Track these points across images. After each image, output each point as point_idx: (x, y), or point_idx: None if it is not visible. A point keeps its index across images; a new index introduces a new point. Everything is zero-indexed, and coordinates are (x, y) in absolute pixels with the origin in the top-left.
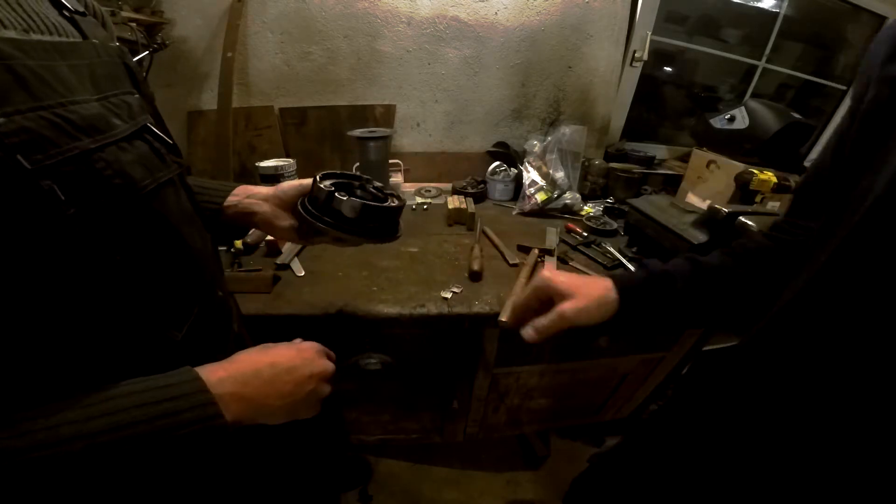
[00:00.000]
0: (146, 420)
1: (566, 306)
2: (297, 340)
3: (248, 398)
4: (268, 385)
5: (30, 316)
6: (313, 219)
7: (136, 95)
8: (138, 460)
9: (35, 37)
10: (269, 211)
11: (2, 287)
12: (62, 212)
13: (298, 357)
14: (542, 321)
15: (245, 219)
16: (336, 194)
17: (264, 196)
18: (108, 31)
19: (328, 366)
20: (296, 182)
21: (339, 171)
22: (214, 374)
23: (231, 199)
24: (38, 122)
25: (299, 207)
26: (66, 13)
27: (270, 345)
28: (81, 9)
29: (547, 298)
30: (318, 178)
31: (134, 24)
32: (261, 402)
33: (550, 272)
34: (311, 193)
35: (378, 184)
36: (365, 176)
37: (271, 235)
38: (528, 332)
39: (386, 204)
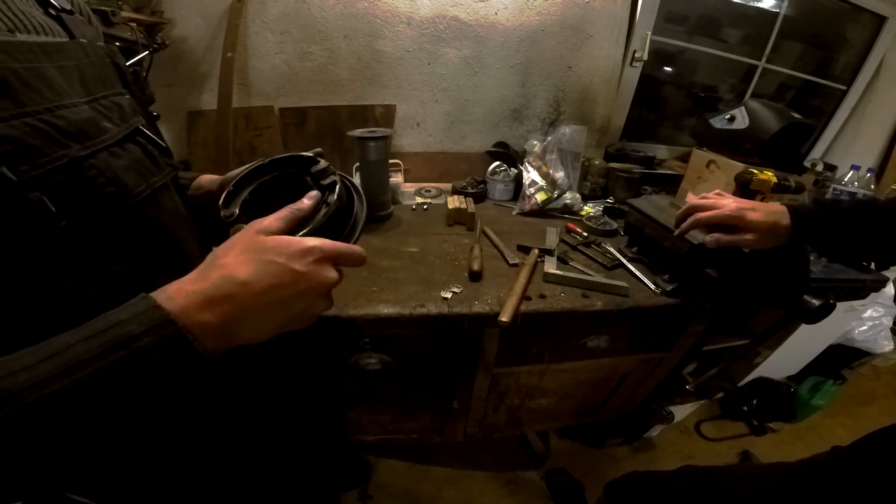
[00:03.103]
0: (100, 354)
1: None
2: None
3: (216, 324)
4: (240, 310)
5: (20, 326)
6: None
7: (127, 96)
8: (111, 410)
9: (21, 37)
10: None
11: None
12: (53, 224)
13: (285, 272)
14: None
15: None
16: (232, 229)
17: (209, 189)
18: (96, 30)
19: (326, 278)
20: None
21: (268, 160)
22: (172, 298)
23: (188, 193)
24: (23, 129)
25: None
26: (53, 11)
27: (255, 242)
28: (68, 7)
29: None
30: (223, 198)
31: (134, 24)
32: (234, 325)
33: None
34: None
35: (322, 165)
36: (306, 154)
37: None
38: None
39: (310, 226)
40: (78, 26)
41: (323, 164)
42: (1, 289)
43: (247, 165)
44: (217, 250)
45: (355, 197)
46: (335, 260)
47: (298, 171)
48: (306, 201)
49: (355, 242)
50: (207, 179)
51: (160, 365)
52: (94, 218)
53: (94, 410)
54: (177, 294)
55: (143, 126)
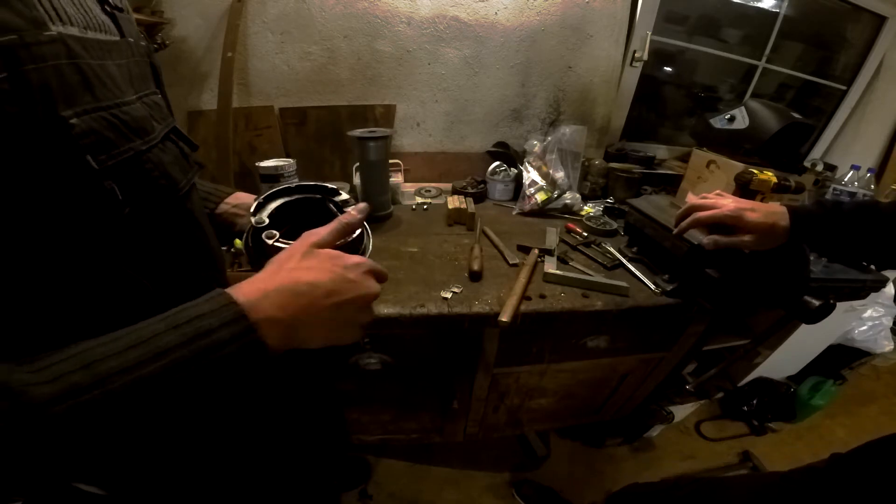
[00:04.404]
0: (182, 343)
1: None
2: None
3: (284, 322)
4: (304, 311)
5: (87, 313)
6: (253, 266)
7: (160, 95)
8: (178, 398)
9: (90, 35)
10: (247, 223)
11: (61, 284)
12: (120, 211)
13: (341, 280)
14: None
15: (229, 227)
16: (275, 243)
17: (248, 206)
18: (136, 28)
19: (372, 289)
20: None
21: (295, 185)
22: (246, 295)
23: (221, 207)
24: (101, 122)
25: (248, 242)
26: (108, 8)
27: (312, 252)
28: (121, 4)
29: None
30: (254, 208)
31: None
32: (297, 326)
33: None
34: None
35: (344, 196)
36: (329, 186)
37: None
38: (710, 239)
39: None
40: (127, 25)
41: (344, 195)
42: (81, 276)
43: (285, 185)
44: (279, 258)
45: (364, 230)
46: (376, 273)
47: (321, 198)
48: (355, 213)
49: None
50: (247, 196)
51: (231, 357)
52: (150, 209)
53: (164, 398)
54: (250, 291)
55: (177, 125)
